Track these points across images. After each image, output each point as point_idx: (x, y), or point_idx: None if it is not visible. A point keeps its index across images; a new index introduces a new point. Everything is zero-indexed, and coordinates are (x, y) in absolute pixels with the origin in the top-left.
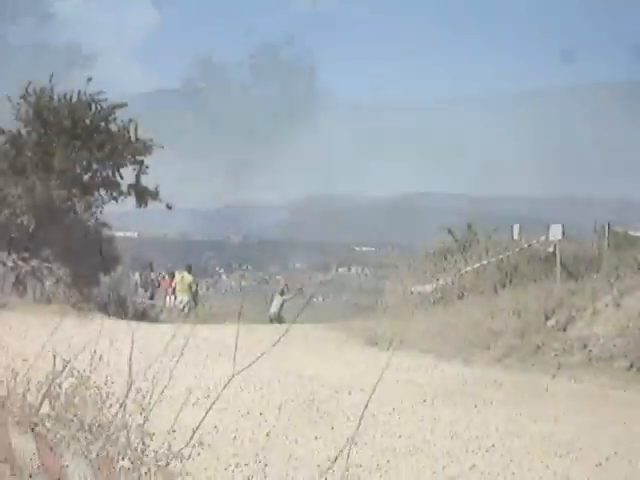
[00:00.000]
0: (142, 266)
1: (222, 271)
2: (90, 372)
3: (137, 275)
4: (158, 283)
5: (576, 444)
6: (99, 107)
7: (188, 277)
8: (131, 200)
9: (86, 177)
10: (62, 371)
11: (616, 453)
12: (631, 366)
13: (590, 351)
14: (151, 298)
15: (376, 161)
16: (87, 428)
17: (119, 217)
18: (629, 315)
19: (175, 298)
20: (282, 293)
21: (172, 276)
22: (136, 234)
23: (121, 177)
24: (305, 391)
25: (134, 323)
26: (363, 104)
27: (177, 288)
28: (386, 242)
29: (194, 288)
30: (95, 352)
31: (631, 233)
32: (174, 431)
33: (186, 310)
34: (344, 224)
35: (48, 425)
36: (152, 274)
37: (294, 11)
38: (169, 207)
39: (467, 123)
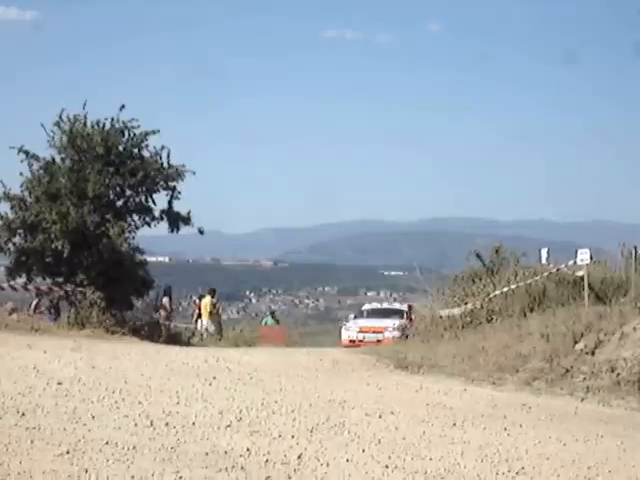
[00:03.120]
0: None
1: (252, 295)
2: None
3: (166, 299)
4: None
5: (605, 467)
6: (132, 134)
7: (206, 301)
8: (164, 225)
9: (119, 203)
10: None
11: None
12: None
13: (618, 374)
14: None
15: (405, 186)
16: None
17: (151, 241)
18: None
19: (202, 322)
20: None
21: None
22: (167, 259)
23: (154, 203)
24: (336, 414)
25: (163, 346)
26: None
27: (202, 312)
28: (415, 266)
29: (214, 311)
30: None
31: None
32: (207, 454)
33: (205, 334)
34: (374, 248)
35: None
36: (164, 299)
37: None
38: (201, 232)
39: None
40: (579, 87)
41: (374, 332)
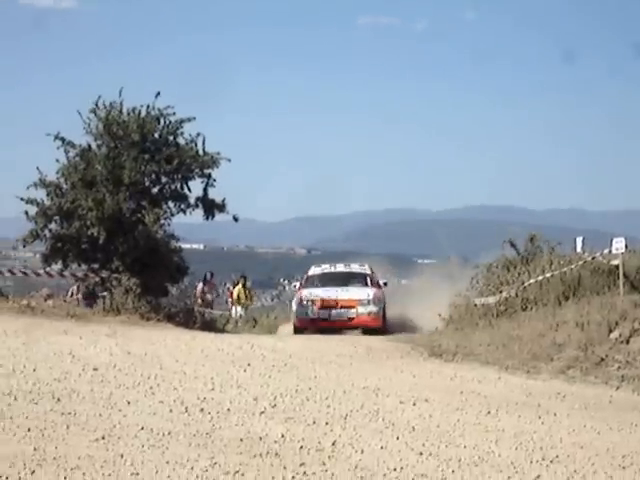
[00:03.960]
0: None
1: (286, 282)
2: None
3: (200, 285)
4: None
5: None
6: (167, 121)
7: (238, 288)
8: (199, 212)
9: (155, 190)
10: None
11: None
12: None
13: None
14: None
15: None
16: None
17: (186, 229)
18: None
19: (236, 309)
20: None
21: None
22: (202, 246)
23: (189, 190)
24: (370, 402)
25: (198, 333)
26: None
27: (233, 299)
28: (449, 254)
29: (243, 299)
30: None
31: None
32: (241, 440)
33: (239, 321)
34: (407, 237)
35: None
36: (199, 286)
37: None
38: (236, 219)
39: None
40: (607, 76)
41: (342, 307)
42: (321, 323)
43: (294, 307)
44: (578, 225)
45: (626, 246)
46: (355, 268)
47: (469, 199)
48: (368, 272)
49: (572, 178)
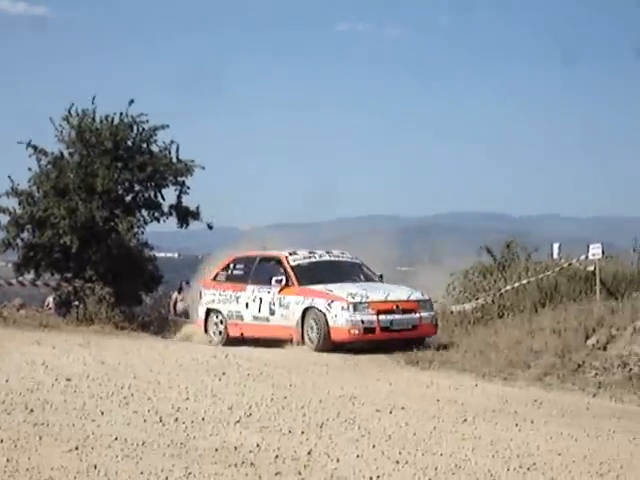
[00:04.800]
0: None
1: None
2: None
3: (175, 294)
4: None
5: (617, 463)
6: (141, 128)
7: (174, 295)
8: (173, 220)
9: (128, 198)
10: None
11: None
12: None
13: (630, 369)
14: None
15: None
16: None
17: (160, 237)
18: None
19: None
20: None
21: None
22: (176, 254)
23: (163, 198)
24: (346, 410)
25: (172, 342)
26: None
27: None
28: (424, 262)
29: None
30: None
31: None
32: (216, 450)
33: None
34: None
35: None
36: (174, 294)
37: None
38: (210, 227)
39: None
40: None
41: (405, 312)
42: (381, 334)
43: (341, 312)
44: (560, 232)
45: (603, 252)
46: (344, 257)
47: (454, 205)
48: (358, 262)
49: (548, 185)
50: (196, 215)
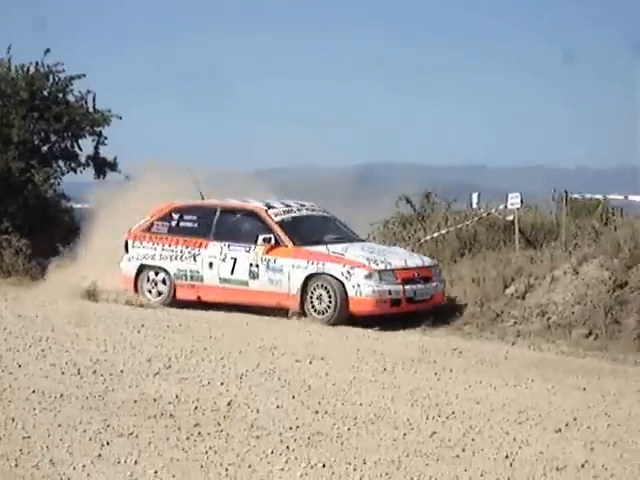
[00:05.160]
0: None
1: None
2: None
3: None
4: None
5: (535, 411)
6: (57, 78)
7: None
8: (90, 171)
9: (44, 149)
10: None
11: (575, 419)
12: (589, 333)
13: (549, 319)
14: None
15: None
16: None
17: (78, 188)
18: (587, 283)
19: None
20: None
21: None
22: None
23: (80, 148)
24: (266, 361)
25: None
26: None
27: None
28: (349, 212)
29: None
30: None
31: (588, 196)
32: (135, 401)
33: None
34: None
35: None
36: None
37: None
38: (128, 178)
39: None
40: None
41: (424, 280)
42: (407, 306)
43: (365, 281)
44: (477, 181)
45: (522, 202)
46: (317, 211)
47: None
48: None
49: (472, 135)
50: (113, 166)
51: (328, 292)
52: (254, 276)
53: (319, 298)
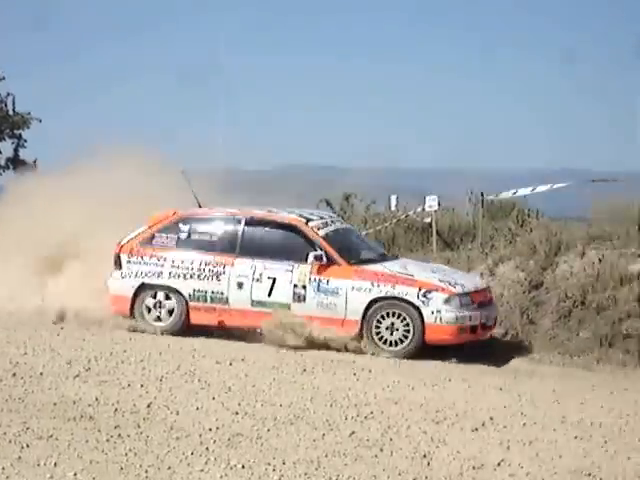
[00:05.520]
0: None
1: None
2: None
3: None
4: None
5: (453, 410)
6: None
7: None
8: (10, 174)
9: None
10: None
11: (492, 418)
12: (505, 333)
13: None
14: None
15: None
16: None
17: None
18: (503, 284)
19: None
20: None
21: None
22: None
23: None
24: (186, 363)
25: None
26: None
27: None
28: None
29: None
30: None
31: (504, 194)
32: (55, 404)
33: None
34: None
35: None
36: None
37: None
38: (35, 165)
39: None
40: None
41: (490, 303)
42: (482, 333)
43: (425, 305)
44: (401, 183)
45: (439, 204)
46: (341, 222)
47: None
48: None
49: (388, 136)
50: (33, 169)
51: (402, 320)
52: (299, 299)
53: (390, 328)
